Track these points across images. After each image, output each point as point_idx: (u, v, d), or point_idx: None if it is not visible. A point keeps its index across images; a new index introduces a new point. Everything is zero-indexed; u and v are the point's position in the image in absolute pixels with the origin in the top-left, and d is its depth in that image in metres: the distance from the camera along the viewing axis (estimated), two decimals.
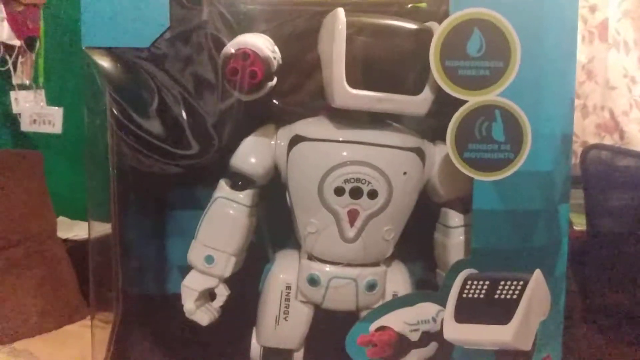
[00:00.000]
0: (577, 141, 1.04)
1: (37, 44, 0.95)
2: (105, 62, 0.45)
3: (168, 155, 0.47)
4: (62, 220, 0.94)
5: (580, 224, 0.78)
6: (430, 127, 0.48)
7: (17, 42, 0.93)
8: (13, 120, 0.96)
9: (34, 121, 0.94)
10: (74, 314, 0.78)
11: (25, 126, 0.94)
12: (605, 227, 0.74)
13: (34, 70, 0.96)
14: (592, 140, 1.04)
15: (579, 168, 0.74)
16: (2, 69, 0.93)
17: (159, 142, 0.47)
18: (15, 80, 0.94)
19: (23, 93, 0.95)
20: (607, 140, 1.05)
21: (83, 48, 0.44)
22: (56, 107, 0.95)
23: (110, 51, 0.45)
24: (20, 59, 0.94)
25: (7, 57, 0.93)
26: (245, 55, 0.42)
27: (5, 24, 0.91)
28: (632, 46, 1.06)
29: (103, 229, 0.53)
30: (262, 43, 0.44)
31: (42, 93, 0.96)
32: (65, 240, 0.86)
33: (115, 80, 0.45)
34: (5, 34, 0.91)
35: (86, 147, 0.51)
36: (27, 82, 0.95)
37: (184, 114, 0.47)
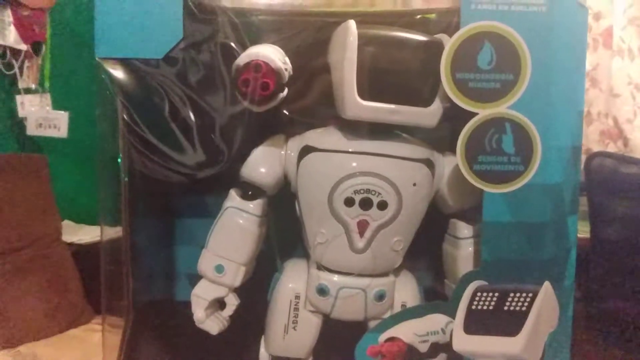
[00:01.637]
0: None
1: (43, 49, 0.96)
2: (118, 73, 0.45)
3: (178, 164, 0.48)
4: (67, 224, 0.94)
5: (584, 231, 0.78)
6: (440, 138, 0.49)
7: (23, 47, 0.93)
8: (19, 124, 0.96)
9: (40, 125, 0.94)
10: (78, 318, 0.78)
11: (31, 130, 0.94)
12: (609, 235, 0.74)
13: (40, 74, 0.96)
14: (596, 147, 1.05)
15: (583, 175, 0.74)
16: (9, 73, 0.93)
17: (170, 151, 0.47)
18: (21, 85, 0.95)
19: (29, 97, 0.95)
20: (611, 148, 1.05)
21: (96, 59, 0.44)
22: (62, 111, 0.95)
23: (123, 62, 0.45)
24: (26, 64, 0.95)
25: (14, 62, 0.93)
26: (258, 66, 0.42)
27: (12, 29, 0.91)
28: (637, 53, 1.06)
29: (112, 232, 0.53)
30: (273, 54, 0.44)
31: (47, 97, 0.96)
32: (70, 244, 0.86)
33: (128, 91, 0.46)
34: (12, 39, 0.91)
35: (98, 154, 0.51)
36: (33, 87, 0.96)
37: (194, 124, 0.47)
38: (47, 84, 0.97)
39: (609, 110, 1.06)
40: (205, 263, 0.49)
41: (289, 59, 0.46)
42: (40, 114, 0.95)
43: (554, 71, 0.44)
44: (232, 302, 0.50)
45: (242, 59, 0.43)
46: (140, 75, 0.46)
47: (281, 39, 0.47)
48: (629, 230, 0.73)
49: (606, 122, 1.06)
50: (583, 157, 0.79)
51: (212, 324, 0.49)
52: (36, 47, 0.95)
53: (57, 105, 0.97)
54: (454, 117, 0.45)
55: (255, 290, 0.52)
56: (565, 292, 0.48)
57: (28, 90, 0.95)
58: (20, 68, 0.94)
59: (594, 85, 1.06)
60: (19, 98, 0.95)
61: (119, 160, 0.49)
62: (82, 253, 0.85)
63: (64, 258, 0.82)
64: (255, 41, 0.46)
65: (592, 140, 1.06)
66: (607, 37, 1.05)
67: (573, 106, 0.46)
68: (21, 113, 0.95)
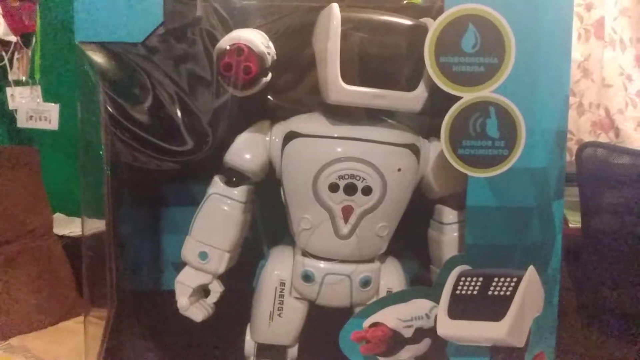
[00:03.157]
0: (572, 139, 1.04)
1: (33, 40, 0.95)
2: (98, 57, 0.45)
3: (162, 151, 0.47)
4: (58, 216, 0.94)
5: (575, 221, 0.78)
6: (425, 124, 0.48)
7: (13, 38, 0.92)
8: (9, 116, 0.96)
9: (30, 117, 0.94)
10: (70, 311, 0.78)
11: (22, 122, 0.94)
12: (600, 225, 0.74)
13: (30, 66, 0.95)
14: (588, 138, 1.04)
15: (574, 165, 0.74)
16: None
17: (153, 138, 0.47)
18: (11, 77, 0.94)
19: (19, 89, 0.95)
20: (603, 138, 1.05)
21: (76, 42, 0.44)
22: (52, 104, 0.94)
23: (103, 46, 0.45)
24: (16, 55, 0.94)
25: (3, 53, 0.92)
26: (240, 50, 0.42)
27: (1, 20, 0.90)
28: (628, 44, 1.06)
29: (97, 225, 0.53)
30: (256, 38, 0.43)
31: (38, 89, 0.96)
32: (62, 237, 0.86)
33: (109, 75, 0.45)
34: (1, 30, 0.91)
35: (80, 143, 0.51)
36: (24, 79, 0.95)
37: (178, 110, 0.47)
38: (37, 76, 0.96)
39: (601, 101, 1.06)
40: (189, 250, 0.49)
41: (273, 43, 0.46)
42: (31, 106, 0.94)
43: (538, 55, 0.44)
44: (217, 289, 0.50)
45: (224, 42, 0.43)
46: (121, 60, 0.45)
47: (265, 24, 0.47)
48: (620, 220, 0.73)
49: (598, 113, 1.06)
50: (575, 148, 0.80)
51: (196, 311, 0.49)
52: (26, 39, 0.94)
53: (47, 97, 0.96)
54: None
55: (241, 278, 0.52)
56: (551, 277, 0.48)
57: (18, 83, 0.95)
58: (10, 60, 0.94)
59: (586, 76, 1.05)
60: (9, 90, 0.94)
61: (101, 150, 0.49)
62: (74, 246, 0.84)
63: (55, 251, 0.81)
64: (239, 26, 0.46)
65: (584, 130, 1.06)
66: (598, 28, 1.04)
67: (558, 90, 0.46)
68: (11, 105, 0.94)
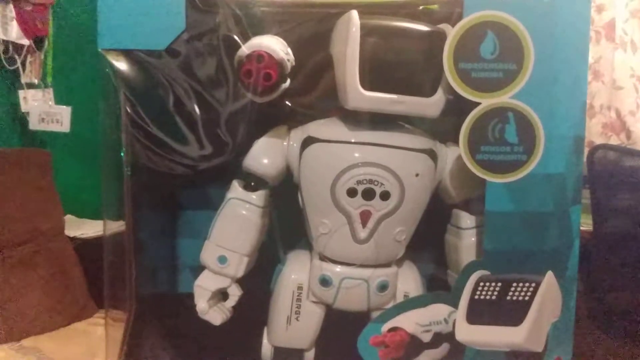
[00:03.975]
0: None
1: (46, 44, 0.95)
2: (121, 64, 0.45)
3: (182, 156, 0.48)
4: (69, 218, 0.94)
5: (586, 223, 0.78)
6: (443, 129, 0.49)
7: (26, 42, 0.93)
8: (21, 119, 0.96)
9: (42, 120, 0.94)
10: (81, 312, 0.78)
11: (34, 125, 0.94)
12: (612, 227, 0.74)
13: (42, 69, 0.96)
14: (599, 140, 1.04)
15: (585, 168, 0.74)
16: (11, 68, 0.93)
17: (174, 143, 0.48)
18: (23, 79, 0.95)
19: (31, 92, 0.95)
20: (614, 141, 1.04)
21: (99, 50, 0.44)
22: (64, 106, 0.95)
23: (126, 53, 0.45)
24: (29, 58, 0.94)
25: (16, 57, 0.93)
26: (260, 57, 0.42)
27: (14, 24, 0.91)
28: (639, 46, 1.06)
29: (115, 226, 0.53)
30: (276, 45, 0.44)
31: (50, 92, 0.96)
32: (73, 239, 0.86)
33: (132, 82, 0.46)
34: (14, 34, 0.91)
35: (102, 147, 0.51)
36: (36, 81, 0.96)
37: (198, 115, 0.47)
38: (49, 79, 0.97)
39: (612, 103, 1.05)
40: (208, 254, 0.49)
41: (292, 50, 0.46)
42: (43, 109, 0.95)
43: (557, 61, 0.44)
44: (235, 292, 0.50)
45: (245, 50, 0.43)
46: (143, 67, 0.46)
47: (283, 31, 0.47)
48: (632, 222, 0.73)
49: (609, 115, 1.05)
50: (586, 150, 0.79)
51: (215, 315, 0.49)
52: (38, 43, 0.95)
53: (59, 100, 0.97)
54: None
55: (258, 282, 0.52)
56: (568, 282, 0.48)
57: (31, 85, 0.95)
58: (23, 63, 0.94)
59: (597, 78, 1.05)
60: (21, 93, 0.95)
61: (122, 153, 0.49)
62: (85, 247, 0.84)
63: (67, 252, 0.82)
64: (258, 33, 0.46)
65: (595, 133, 1.05)
66: (609, 30, 1.04)
67: (576, 96, 0.46)
68: (24, 108, 0.95)
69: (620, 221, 0.74)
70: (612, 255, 0.74)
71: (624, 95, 1.05)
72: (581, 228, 0.82)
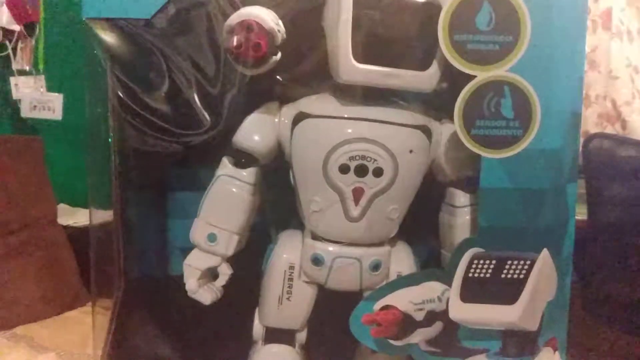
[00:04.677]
0: None
1: (37, 30, 0.94)
2: (107, 35, 0.44)
3: (172, 132, 0.47)
4: (62, 207, 0.94)
5: (581, 213, 0.78)
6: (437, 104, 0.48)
7: (16, 27, 0.92)
8: (13, 106, 0.95)
9: (34, 107, 0.93)
10: (74, 300, 0.77)
11: (25, 112, 0.93)
12: (607, 217, 0.74)
13: (33, 56, 0.95)
14: (594, 130, 1.03)
15: (580, 157, 0.74)
16: (2, 54, 0.92)
17: (161, 120, 0.47)
18: (15, 66, 0.94)
19: (23, 79, 0.94)
20: (609, 130, 1.04)
21: (84, 19, 0.43)
22: (56, 93, 0.94)
23: (112, 22, 0.44)
24: (20, 45, 0.94)
25: (7, 43, 0.92)
26: (249, 26, 0.41)
27: (5, 9, 0.90)
28: (636, 36, 1.05)
29: (104, 215, 0.52)
30: (266, 15, 0.43)
31: (42, 79, 0.95)
32: (66, 227, 0.86)
33: (118, 53, 0.45)
34: (5, 19, 0.90)
35: (89, 130, 0.50)
36: (27, 68, 0.95)
37: (187, 90, 0.46)
38: (41, 66, 0.96)
39: (608, 93, 1.05)
40: (198, 232, 0.48)
41: (283, 23, 0.45)
42: (35, 96, 0.94)
43: (554, 33, 0.43)
44: (225, 271, 0.49)
45: (233, 19, 0.42)
46: (130, 37, 0.45)
47: (275, 4, 0.46)
48: (627, 212, 0.72)
49: (604, 105, 1.05)
50: (581, 139, 0.79)
51: (205, 294, 0.48)
52: (30, 28, 0.94)
53: (51, 87, 0.96)
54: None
55: (250, 262, 0.51)
56: (564, 261, 0.47)
57: (22, 72, 0.94)
58: (14, 49, 0.93)
59: (593, 67, 1.04)
60: (12, 80, 0.94)
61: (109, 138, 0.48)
62: (78, 236, 0.84)
63: (59, 240, 0.81)
64: (248, 4, 0.45)
65: (591, 122, 1.05)
66: (606, 19, 1.03)
67: (573, 70, 0.45)
68: (15, 95, 0.94)
69: (615, 211, 0.73)
70: (607, 244, 0.73)
71: (620, 85, 1.05)
72: (576, 217, 0.82)
